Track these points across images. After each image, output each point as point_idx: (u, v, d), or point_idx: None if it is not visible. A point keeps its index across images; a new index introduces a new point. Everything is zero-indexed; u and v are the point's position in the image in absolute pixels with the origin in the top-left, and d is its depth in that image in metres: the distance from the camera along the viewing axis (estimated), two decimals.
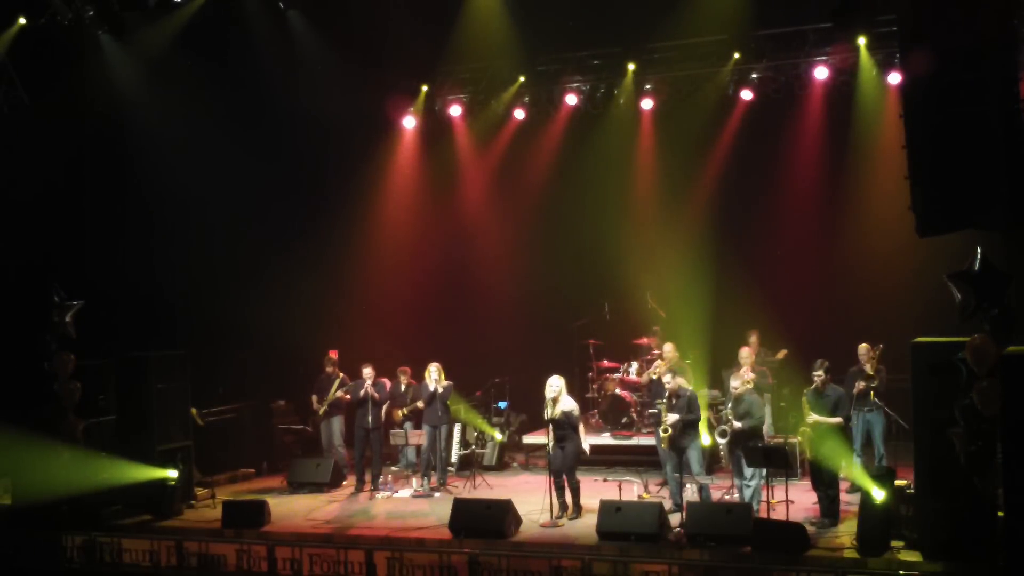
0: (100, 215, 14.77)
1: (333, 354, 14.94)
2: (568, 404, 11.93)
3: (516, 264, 17.24)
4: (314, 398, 14.82)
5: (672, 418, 11.90)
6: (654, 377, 14.08)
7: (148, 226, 15.32)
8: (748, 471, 11.59)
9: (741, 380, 11.91)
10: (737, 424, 11.62)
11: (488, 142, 17.58)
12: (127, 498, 12.67)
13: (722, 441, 11.93)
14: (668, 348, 13.86)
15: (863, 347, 12.76)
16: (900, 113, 9.48)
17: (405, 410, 14.33)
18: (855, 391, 12.46)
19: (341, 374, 14.69)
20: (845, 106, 15.17)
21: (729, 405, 11.80)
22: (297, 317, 15.74)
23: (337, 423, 14.85)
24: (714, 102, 15.77)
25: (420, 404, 13.99)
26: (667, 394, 12.07)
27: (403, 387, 14.43)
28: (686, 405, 11.93)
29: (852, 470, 12.28)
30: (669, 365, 13.20)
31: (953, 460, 9.37)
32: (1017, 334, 9.10)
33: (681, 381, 12.22)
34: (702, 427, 12.32)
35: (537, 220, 17.22)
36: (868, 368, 12.57)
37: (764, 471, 11.36)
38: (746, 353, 13.34)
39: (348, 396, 14.29)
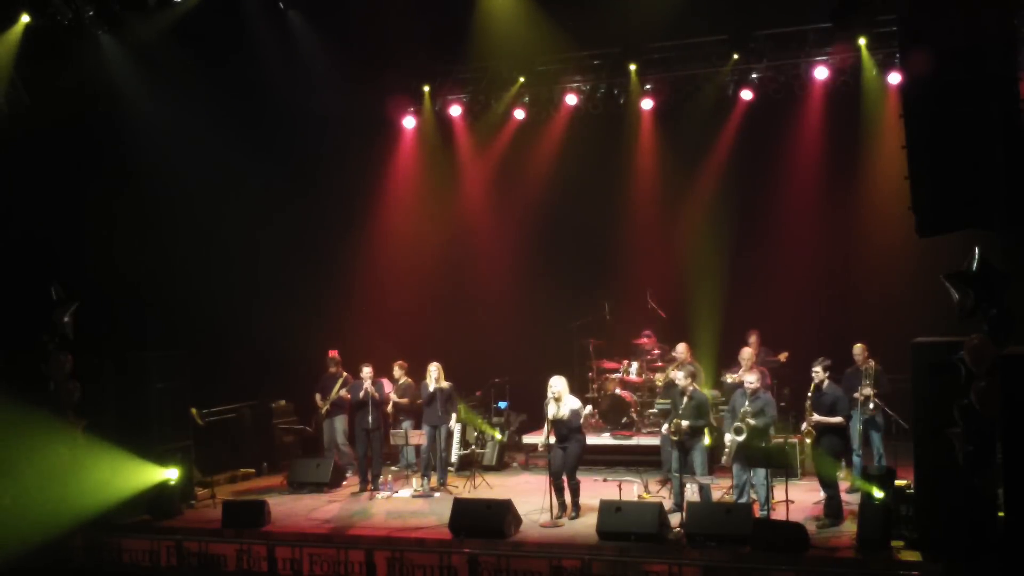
0: (100, 214, 14.74)
1: (334, 353, 14.95)
2: (575, 403, 11.93)
3: (516, 264, 17.24)
4: (318, 397, 14.86)
5: (683, 424, 11.78)
6: (662, 378, 14.08)
7: (148, 226, 15.29)
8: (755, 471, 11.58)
9: (757, 376, 11.81)
10: (752, 422, 11.49)
11: (488, 142, 17.58)
12: (127, 498, 12.65)
13: (739, 438, 11.50)
14: (681, 348, 13.81)
15: (858, 347, 12.75)
16: (900, 113, 9.49)
17: (395, 397, 14.09)
18: (864, 413, 12.42)
19: (344, 373, 14.71)
20: (845, 106, 15.16)
21: (747, 403, 11.57)
22: (297, 317, 15.75)
23: (340, 422, 14.87)
24: (714, 102, 15.79)
25: (403, 400, 13.98)
26: (679, 394, 12.00)
27: (399, 380, 14.23)
28: (696, 409, 11.84)
29: (851, 470, 12.26)
30: (680, 364, 13.14)
31: (953, 460, 9.37)
32: (1016, 334, 9.10)
33: (693, 383, 12.21)
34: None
35: (537, 220, 17.23)
36: (867, 368, 12.56)
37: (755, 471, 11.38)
38: (747, 353, 13.32)
39: (348, 396, 14.27)
